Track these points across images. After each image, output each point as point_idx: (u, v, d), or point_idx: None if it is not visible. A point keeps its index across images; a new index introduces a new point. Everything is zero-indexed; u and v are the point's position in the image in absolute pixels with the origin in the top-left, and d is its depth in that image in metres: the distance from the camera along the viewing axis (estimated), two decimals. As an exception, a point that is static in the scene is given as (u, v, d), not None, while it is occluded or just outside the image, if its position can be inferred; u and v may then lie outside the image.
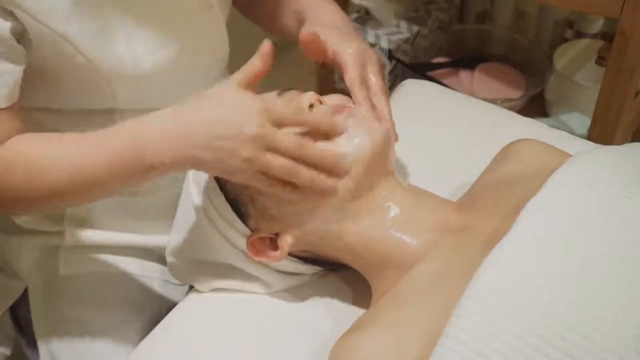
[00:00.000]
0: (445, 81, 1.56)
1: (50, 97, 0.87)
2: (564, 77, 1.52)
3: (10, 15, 0.75)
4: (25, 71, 0.78)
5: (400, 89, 1.16)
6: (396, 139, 0.83)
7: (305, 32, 0.82)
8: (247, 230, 0.81)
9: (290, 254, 0.82)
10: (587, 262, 0.62)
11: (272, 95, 0.84)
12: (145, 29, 0.84)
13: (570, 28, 1.66)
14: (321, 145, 0.75)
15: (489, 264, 0.64)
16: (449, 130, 1.07)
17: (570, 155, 0.79)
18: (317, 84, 1.67)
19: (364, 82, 0.81)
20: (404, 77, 1.44)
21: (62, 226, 0.97)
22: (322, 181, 0.74)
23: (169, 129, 0.72)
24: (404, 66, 1.63)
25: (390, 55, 1.63)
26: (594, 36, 1.62)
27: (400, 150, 0.97)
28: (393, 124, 0.83)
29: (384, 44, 1.63)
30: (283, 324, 0.84)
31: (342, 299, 0.86)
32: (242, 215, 0.81)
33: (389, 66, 1.63)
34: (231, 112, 0.71)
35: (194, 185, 0.85)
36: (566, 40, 1.65)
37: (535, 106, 1.57)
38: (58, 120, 0.89)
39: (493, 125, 1.07)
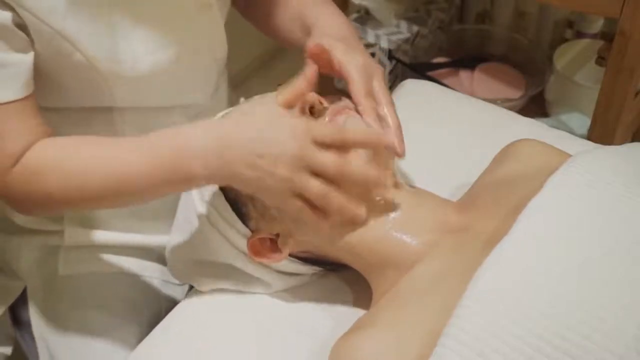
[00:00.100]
0: (445, 81, 1.56)
1: (50, 95, 0.87)
2: (564, 77, 1.52)
3: (10, 9, 0.75)
4: None
5: (400, 89, 1.16)
6: (402, 154, 0.80)
7: (312, 44, 0.82)
8: (247, 231, 0.81)
9: (290, 255, 0.82)
10: (587, 262, 0.62)
11: (272, 95, 0.84)
12: (144, 28, 0.84)
13: (570, 28, 1.66)
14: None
15: (489, 264, 0.64)
16: (449, 130, 1.07)
17: (570, 155, 0.79)
18: (317, 84, 1.67)
19: (370, 94, 0.81)
20: (404, 77, 1.44)
21: (62, 226, 0.97)
22: (350, 210, 0.73)
23: (212, 145, 0.71)
24: (404, 66, 1.63)
25: (390, 55, 1.63)
26: (594, 36, 1.62)
27: (401, 150, 0.97)
28: (401, 135, 0.80)
29: (384, 44, 1.63)
30: (283, 324, 0.84)
31: (342, 299, 0.86)
32: (243, 216, 0.81)
33: (389, 66, 1.63)
34: (274, 131, 0.71)
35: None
36: (566, 40, 1.65)
37: (535, 106, 1.57)
38: (58, 119, 0.89)
39: (493, 125, 1.07)
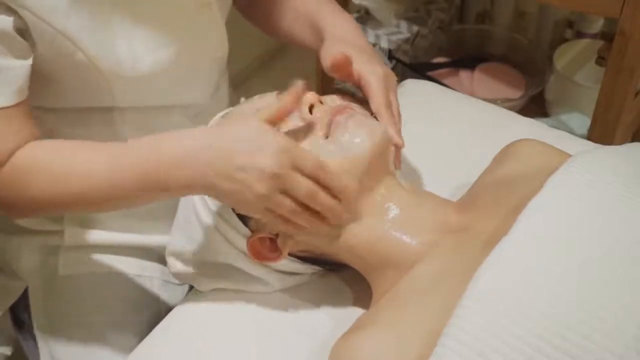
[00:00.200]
0: (445, 81, 1.56)
1: (51, 95, 0.87)
2: (564, 77, 1.52)
3: (12, 12, 0.75)
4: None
5: (400, 89, 1.16)
6: (398, 165, 0.83)
7: (338, 54, 0.82)
8: (247, 231, 0.81)
9: (290, 254, 0.82)
10: (587, 262, 0.62)
11: (271, 95, 0.84)
12: (145, 28, 0.84)
13: (570, 28, 1.66)
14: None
15: (489, 264, 0.64)
16: (449, 130, 1.07)
17: (570, 155, 0.79)
18: (317, 84, 1.68)
19: (389, 106, 0.82)
20: (404, 77, 1.44)
21: (62, 226, 0.97)
22: (317, 225, 0.75)
23: (189, 153, 0.71)
24: (404, 66, 1.63)
25: (390, 55, 1.63)
26: (594, 36, 1.62)
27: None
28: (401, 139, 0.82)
29: (384, 44, 1.63)
30: (283, 324, 0.84)
31: (342, 299, 0.86)
32: (242, 216, 0.81)
33: (389, 66, 1.63)
34: (255, 146, 0.71)
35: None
36: (566, 40, 1.65)
37: (535, 106, 1.57)
38: (58, 119, 0.89)
39: (493, 125, 1.07)
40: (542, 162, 0.80)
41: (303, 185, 0.72)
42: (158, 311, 0.99)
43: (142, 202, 0.78)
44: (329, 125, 0.78)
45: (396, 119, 0.83)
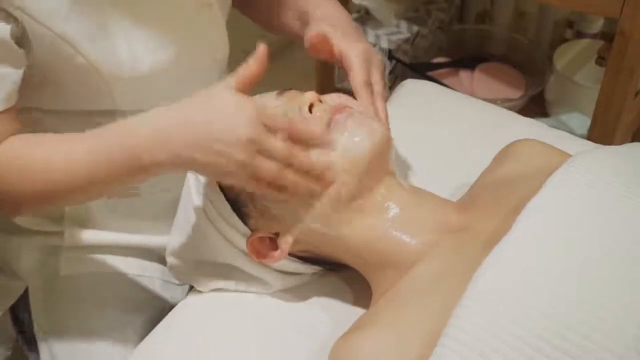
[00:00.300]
0: (445, 81, 1.56)
1: (51, 98, 0.87)
2: (564, 77, 1.52)
3: (10, 17, 0.75)
4: (25, 72, 0.78)
5: (400, 89, 1.16)
6: None
7: (313, 33, 0.82)
8: (247, 230, 0.81)
9: (290, 254, 0.82)
10: (587, 262, 0.62)
11: (271, 95, 0.84)
12: (145, 28, 0.84)
13: (570, 28, 1.66)
14: (314, 152, 0.75)
15: (489, 264, 0.64)
16: (449, 130, 1.07)
17: (570, 155, 0.79)
18: (317, 84, 1.68)
19: (369, 85, 0.82)
20: (404, 77, 1.44)
21: (62, 226, 0.97)
22: (305, 187, 0.75)
23: (165, 131, 0.72)
24: (404, 66, 1.63)
25: (390, 55, 1.63)
26: (594, 36, 1.62)
27: (400, 150, 0.97)
28: (388, 130, 0.83)
29: (384, 44, 1.63)
30: (283, 323, 0.84)
31: (342, 299, 0.86)
32: (242, 215, 0.81)
33: (389, 66, 1.63)
34: (228, 115, 0.71)
35: (194, 185, 0.85)
36: (566, 40, 1.65)
37: (535, 106, 1.57)
38: (58, 121, 0.89)
39: (493, 125, 1.07)
40: (542, 162, 0.80)
41: (279, 144, 0.72)
42: (158, 311, 0.99)
43: (126, 184, 0.78)
44: (329, 124, 0.78)
45: (376, 97, 0.82)
